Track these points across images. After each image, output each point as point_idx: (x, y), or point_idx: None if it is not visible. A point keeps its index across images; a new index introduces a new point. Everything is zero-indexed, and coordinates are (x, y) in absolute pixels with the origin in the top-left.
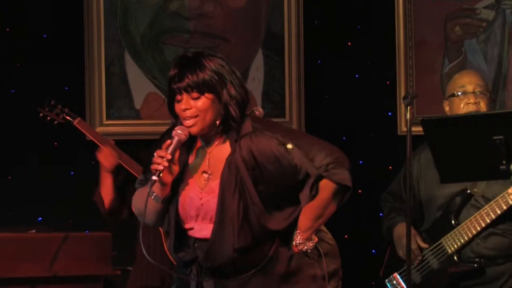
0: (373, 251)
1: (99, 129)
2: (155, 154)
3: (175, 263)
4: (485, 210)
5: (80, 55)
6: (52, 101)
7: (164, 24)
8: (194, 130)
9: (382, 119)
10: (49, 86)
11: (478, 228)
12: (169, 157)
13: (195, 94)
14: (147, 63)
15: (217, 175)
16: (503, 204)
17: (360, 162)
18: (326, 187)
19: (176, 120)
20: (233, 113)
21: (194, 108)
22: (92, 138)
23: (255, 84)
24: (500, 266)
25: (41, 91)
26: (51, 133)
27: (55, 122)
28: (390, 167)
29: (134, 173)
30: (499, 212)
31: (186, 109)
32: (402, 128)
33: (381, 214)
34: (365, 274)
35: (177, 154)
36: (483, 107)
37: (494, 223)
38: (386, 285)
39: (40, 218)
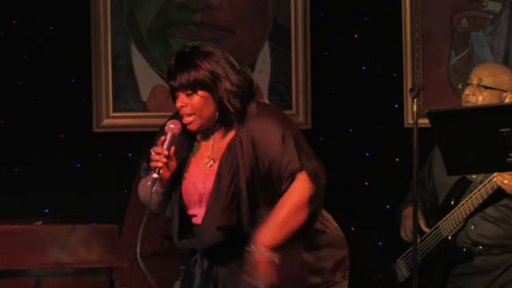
0: (380, 243)
1: (106, 122)
2: (151, 151)
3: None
4: (475, 195)
5: (86, 47)
6: None
7: (171, 16)
8: (192, 127)
9: (389, 111)
10: (56, 79)
11: (468, 212)
12: (166, 153)
13: (188, 91)
14: (153, 55)
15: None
16: (489, 189)
17: (367, 154)
18: (295, 189)
19: None
20: (230, 108)
21: (190, 106)
22: None
23: (262, 76)
24: (496, 256)
25: (47, 83)
26: (58, 125)
27: None
28: (397, 159)
29: None
30: (486, 196)
31: (182, 107)
32: (409, 120)
33: (387, 206)
34: (372, 266)
35: (172, 148)
36: (478, 100)
37: (484, 208)
38: (394, 269)
39: (46, 210)
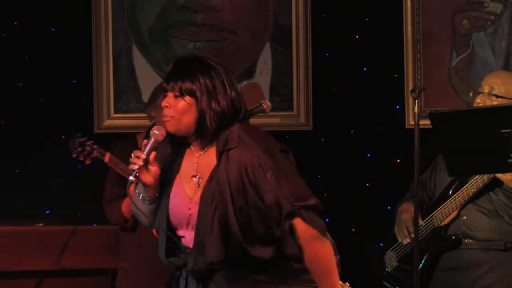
0: (381, 244)
1: (107, 123)
2: (132, 154)
3: None
4: (471, 183)
5: (87, 48)
6: (80, 139)
7: (172, 17)
8: (167, 127)
9: (390, 112)
10: (57, 80)
11: (462, 201)
12: (144, 157)
13: (176, 93)
14: (155, 56)
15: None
16: (485, 177)
17: (368, 155)
18: (306, 240)
19: None
20: (208, 123)
21: (173, 108)
22: (120, 172)
23: (263, 77)
24: (483, 252)
25: (48, 84)
26: (59, 126)
27: (87, 162)
28: (398, 160)
29: None
30: (481, 184)
31: (165, 106)
32: (410, 121)
33: (388, 208)
34: (373, 267)
35: (153, 154)
36: None
37: (478, 200)
38: (383, 260)
39: (48, 212)
